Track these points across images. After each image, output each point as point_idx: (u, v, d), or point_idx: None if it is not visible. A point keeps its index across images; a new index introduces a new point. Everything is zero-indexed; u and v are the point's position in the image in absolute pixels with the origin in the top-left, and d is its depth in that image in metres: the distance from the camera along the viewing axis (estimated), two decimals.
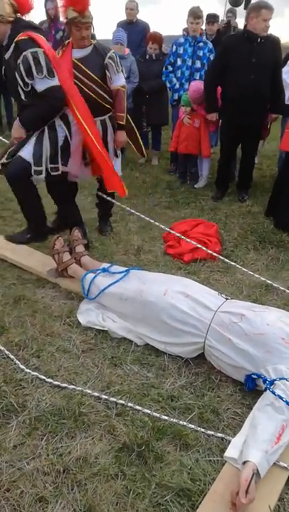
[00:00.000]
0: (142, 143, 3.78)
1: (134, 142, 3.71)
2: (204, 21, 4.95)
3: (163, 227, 3.16)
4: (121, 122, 3.31)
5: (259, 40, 3.92)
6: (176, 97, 5.09)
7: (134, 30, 5.84)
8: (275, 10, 4.02)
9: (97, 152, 3.17)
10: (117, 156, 3.49)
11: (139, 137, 3.73)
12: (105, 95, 3.22)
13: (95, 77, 3.13)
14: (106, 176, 3.34)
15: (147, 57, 5.30)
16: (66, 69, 3.06)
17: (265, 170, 5.63)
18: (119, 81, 3.23)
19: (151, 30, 5.84)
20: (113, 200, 3.66)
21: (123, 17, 6.04)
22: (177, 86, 5.01)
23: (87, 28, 3.04)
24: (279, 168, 4.78)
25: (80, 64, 3.09)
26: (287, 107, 4.23)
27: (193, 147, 4.86)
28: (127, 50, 5.12)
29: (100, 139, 3.20)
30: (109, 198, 3.64)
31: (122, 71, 3.24)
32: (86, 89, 3.12)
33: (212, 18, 5.98)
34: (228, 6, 7.56)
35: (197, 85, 4.59)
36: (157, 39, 5.26)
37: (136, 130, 3.65)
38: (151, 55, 5.27)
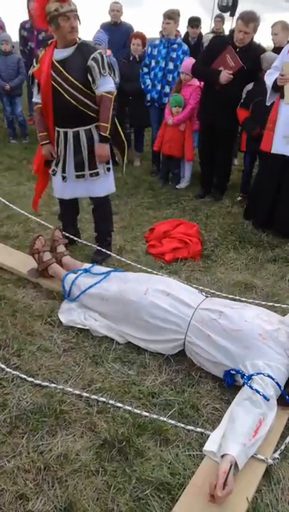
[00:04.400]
0: (125, 161, 3.47)
1: (122, 154, 3.40)
2: (178, 23, 4.97)
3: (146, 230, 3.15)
4: (103, 134, 2.91)
5: (237, 49, 3.97)
6: (148, 97, 5.11)
7: (119, 32, 5.88)
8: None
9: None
10: (108, 170, 3.16)
11: (126, 152, 3.41)
12: (88, 102, 2.89)
13: (75, 82, 2.82)
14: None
15: (131, 58, 5.33)
16: (45, 72, 2.87)
17: None
18: (104, 86, 2.85)
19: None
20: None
21: (106, 19, 6.07)
22: (150, 87, 5.04)
23: (76, 17, 2.76)
24: (245, 166, 4.76)
25: (59, 67, 2.81)
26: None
27: (175, 149, 4.90)
28: (109, 51, 5.13)
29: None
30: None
31: (110, 74, 2.88)
32: (66, 95, 2.84)
33: (195, 22, 6.05)
34: (217, 12, 7.70)
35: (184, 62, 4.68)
36: (140, 35, 5.31)
37: (125, 144, 3.31)
38: (135, 56, 5.30)
